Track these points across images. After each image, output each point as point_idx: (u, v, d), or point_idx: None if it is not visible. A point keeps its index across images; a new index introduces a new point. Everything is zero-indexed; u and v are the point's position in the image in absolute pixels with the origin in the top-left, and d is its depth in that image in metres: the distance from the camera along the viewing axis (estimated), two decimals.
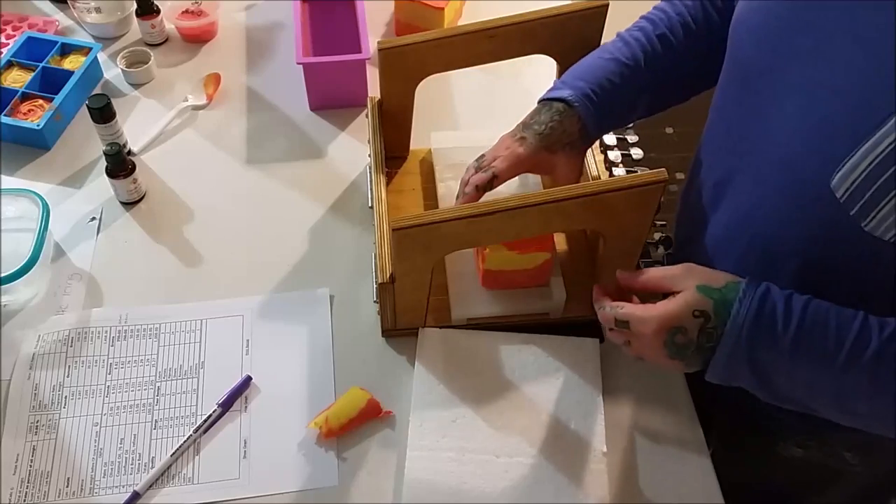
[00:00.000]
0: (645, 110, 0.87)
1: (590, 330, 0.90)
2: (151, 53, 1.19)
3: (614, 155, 0.96)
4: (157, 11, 1.20)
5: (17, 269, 0.90)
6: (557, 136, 0.82)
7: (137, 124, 1.12)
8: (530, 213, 0.76)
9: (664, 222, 0.91)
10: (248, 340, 0.91)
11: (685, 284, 0.69)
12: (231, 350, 0.90)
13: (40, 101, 1.10)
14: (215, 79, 1.17)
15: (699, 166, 0.83)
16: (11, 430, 0.84)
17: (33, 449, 0.83)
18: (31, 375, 0.88)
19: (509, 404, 0.84)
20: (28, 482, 0.81)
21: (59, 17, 1.27)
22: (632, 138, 0.97)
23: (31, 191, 0.98)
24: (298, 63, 1.09)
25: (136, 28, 1.24)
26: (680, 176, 0.87)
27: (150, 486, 0.80)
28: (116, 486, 0.81)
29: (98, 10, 1.21)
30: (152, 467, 0.82)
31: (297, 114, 1.15)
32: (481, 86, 1.19)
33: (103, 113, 1.01)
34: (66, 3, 1.25)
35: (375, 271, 0.85)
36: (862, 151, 0.59)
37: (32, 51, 1.16)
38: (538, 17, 0.90)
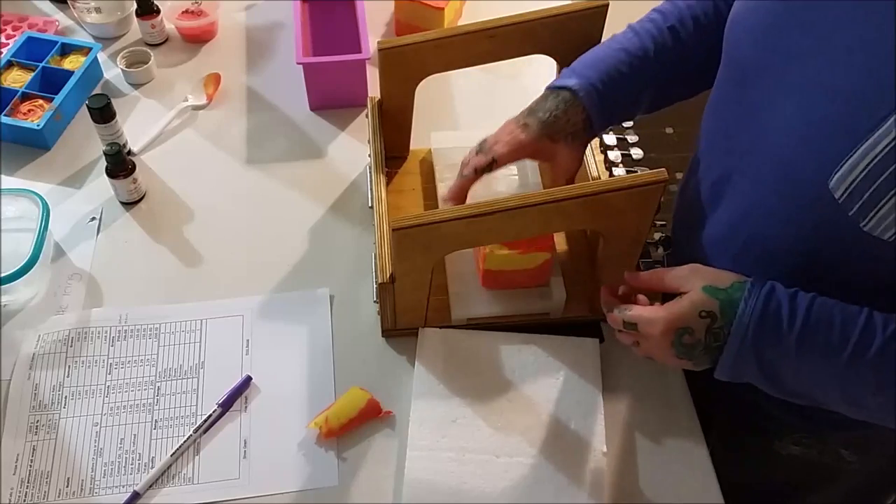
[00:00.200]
0: (650, 105, 0.87)
1: (590, 330, 0.90)
2: (151, 53, 1.19)
3: (614, 155, 0.96)
4: (157, 11, 1.20)
5: (17, 269, 0.90)
6: (561, 124, 0.82)
7: (137, 124, 1.12)
8: (530, 213, 0.76)
9: (664, 222, 0.91)
10: (248, 340, 0.91)
11: (691, 285, 0.70)
12: (231, 350, 0.90)
13: (40, 101, 1.10)
14: (215, 79, 1.17)
15: (696, 166, 0.83)
16: (11, 430, 0.84)
17: (33, 449, 0.83)
18: (31, 375, 0.88)
19: (509, 404, 0.84)
20: (28, 482, 0.81)
21: (59, 17, 1.27)
22: (632, 138, 0.97)
23: (31, 191, 0.98)
24: (298, 63, 1.09)
25: (136, 28, 1.24)
26: (680, 176, 0.88)
27: (150, 486, 0.80)
28: (116, 486, 0.81)
29: (98, 10, 1.21)
30: (152, 467, 0.82)
31: (297, 114, 1.15)
32: (481, 86, 1.19)
33: (103, 113, 1.01)
34: (66, 3, 1.25)
35: (375, 271, 0.85)
36: (860, 152, 0.59)
37: (32, 51, 1.16)
38: (538, 17, 0.90)
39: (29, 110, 1.09)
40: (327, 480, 0.81)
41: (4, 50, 1.17)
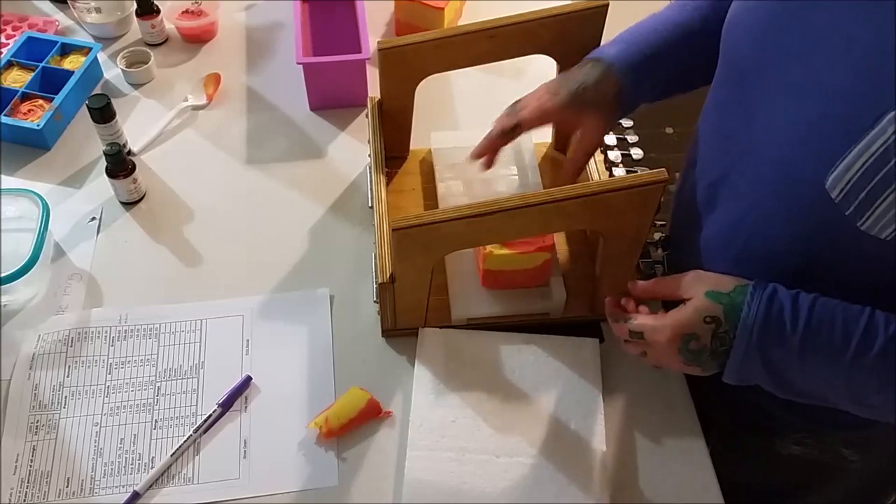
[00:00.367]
0: (685, 83, 0.86)
1: (590, 330, 0.90)
2: (151, 53, 1.19)
3: (614, 155, 0.96)
4: (157, 11, 1.20)
5: (17, 269, 0.90)
6: (590, 95, 0.81)
7: (137, 124, 1.12)
8: (530, 213, 0.76)
9: (664, 222, 0.91)
10: (248, 340, 0.91)
11: (694, 291, 0.70)
12: (231, 350, 0.90)
13: (40, 101, 1.10)
14: (215, 79, 1.17)
15: (693, 166, 0.83)
16: (11, 430, 0.84)
17: (33, 449, 0.83)
18: (31, 375, 0.88)
19: (509, 404, 0.84)
20: (28, 482, 0.81)
21: (59, 17, 1.27)
22: (632, 138, 0.97)
23: (31, 191, 0.98)
24: (298, 63, 1.09)
25: (136, 28, 1.24)
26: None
27: (150, 486, 0.80)
28: (116, 486, 0.81)
29: (98, 10, 1.21)
30: (152, 467, 0.82)
31: (297, 114, 1.15)
32: (481, 86, 1.19)
33: (103, 113, 1.01)
34: (66, 3, 1.25)
35: (375, 271, 0.85)
36: (856, 151, 0.59)
37: (32, 51, 1.16)
38: (538, 17, 0.90)
39: (29, 110, 1.09)
40: (327, 480, 0.81)
41: (4, 50, 1.17)
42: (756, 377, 0.69)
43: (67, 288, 0.96)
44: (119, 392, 0.87)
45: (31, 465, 0.82)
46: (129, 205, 1.04)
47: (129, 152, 1.07)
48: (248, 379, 0.87)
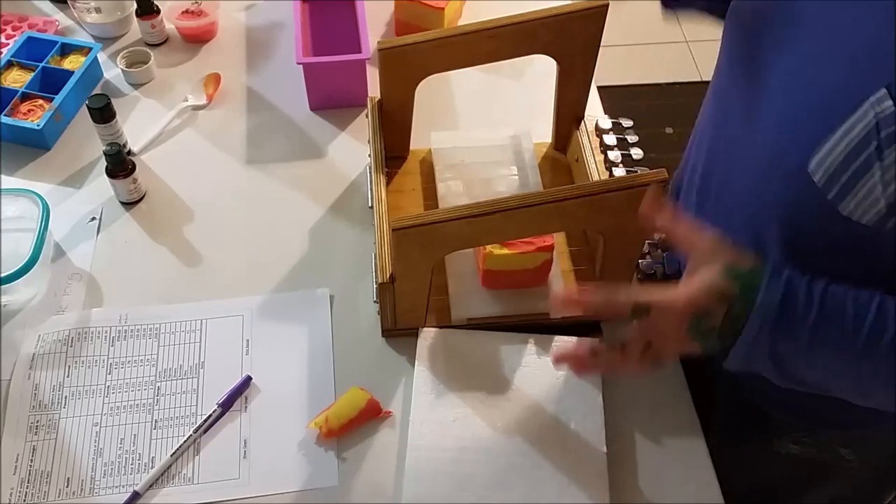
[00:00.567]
0: None
1: (590, 330, 0.90)
2: (151, 53, 1.19)
3: (614, 155, 0.96)
4: (157, 11, 1.20)
5: (17, 269, 0.90)
6: None
7: (137, 124, 1.12)
8: (530, 213, 0.76)
9: None
10: (248, 340, 0.91)
11: (710, 262, 0.64)
12: (231, 350, 0.90)
13: (40, 101, 1.10)
14: (215, 79, 1.17)
15: (688, 161, 0.83)
16: (11, 430, 0.84)
17: (33, 449, 0.83)
18: (31, 375, 0.88)
19: (509, 404, 0.84)
20: (28, 482, 0.81)
21: (59, 17, 1.27)
22: (632, 138, 0.97)
23: (31, 191, 0.98)
24: (298, 63, 1.09)
25: (136, 28, 1.24)
26: None
27: (150, 486, 0.80)
28: (116, 486, 0.81)
29: (98, 10, 1.21)
30: (152, 467, 0.82)
31: (297, 114, 1.15)
32: (481, 86, 1.19)
33: (103, 113, 1.01)
34: (66, 3, 1.25)
35: (375, 271, 0.85)
36: (838, 135, 0.59)
37: (32, 51, 1.16)
38: (538, 17, 0.90)
39: (29, 110, 1.09)
40: (327, 480, 0.81)
41: (4, 50, 1.17)
42: (759, 364, 0.66)
43: (67, 288, 0.96)
44: (119, 392, 0.87)
45: (31, 465, 0.82)
46: (129, 205, 1.04)
47: (129, 152, 1.07)
48: (248, 379, 0.88)
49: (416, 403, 0.84)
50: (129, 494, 0.79)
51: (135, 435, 0.84)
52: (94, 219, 1.02)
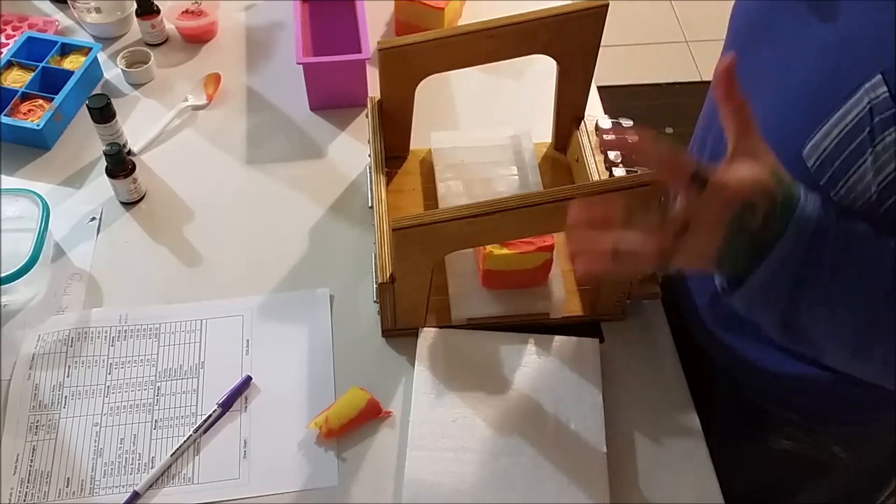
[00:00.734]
0: None
1: (590, 330, 0.90)
2: (151, 53, 1.19)
3: (614, 155, 0.96)
4: (157, 11, 1.20)
5: (17, 269, 0.90)
6: None
7: (137, 124, 1.12)
8: (530, 213, 0.76)
9: None
10: (248, 340, 0.91)
11: (756, 158, 0.58)
12: (231, 350, 0.90)
13: (40, 101, 1.10)
14: (215, 79, 1.17)
15: (692, 149, 0.83)
16: (11, 430, 0.84)
17: (33, 449, 0.83)
18: (31, 375, 0.88)
19: (509, 404, 0.84)
20: (28, 482, 0.81)
21: (59, 17, 1.27)
22: (632, 138, 0.97)
23: (31, 191, 0.98)
24: (298, 63, 1.09)
25: (136, 28, 1.24)
26: None
27: (150, 486, 0.80)
28: (116, 486, 0.81)
29: (98, 10, 1.21)
30: (152, 467, 0.82)
31: (297, 114, 1.15)
32: (481, 86, 1.19)
33: (103, 113, 1.01)
34: (66, 3, 1.25)
35: (375, 271, 0.85)
36: (832, 121, 0.59)
37: (32, 51, 1.16)
38: (538, 17, 0.90)
39: (29, 110, 1.09)
40: (327, 480, 0.81)
41: (4, 50, 1.17)
42: (775, 293, 0.60)
43: (67, 288, 0.96)
44: (119, 392, 0.87)
45: (31, 465, 0.82)
46: (129, 205, 1.04)
47: (129, 152, 1.07)
48: (248, 379, 0.88)
49: (416, 403, 0.84)
50: (129, 494, 0.79)
51: (135, 435, 0.84)
52: (94, 219, 1.02)
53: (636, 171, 0.93)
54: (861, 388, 0.78)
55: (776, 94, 0.66)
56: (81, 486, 0.81)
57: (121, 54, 1.18)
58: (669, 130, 2.29)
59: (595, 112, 1.13)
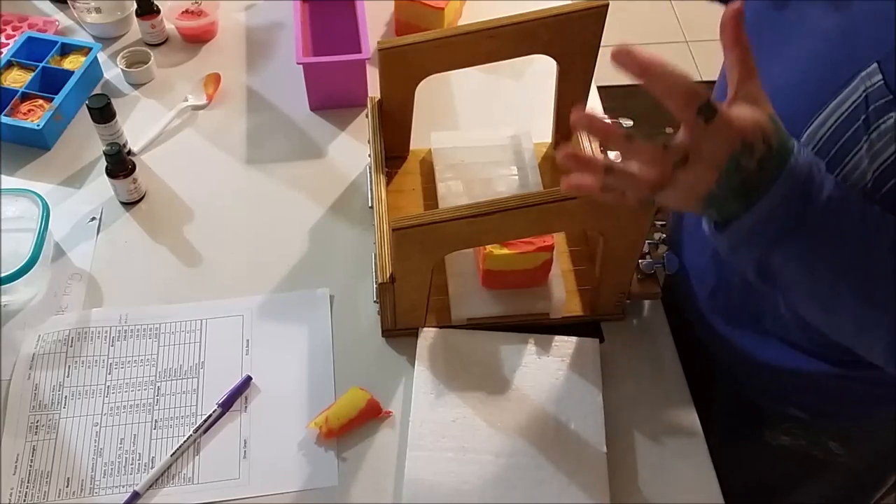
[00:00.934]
0: None
1: (590, 330, 0.90)
2: (151, 53, 1.19)
3: (614, 155, 0.96)
4: (157, 11, 1.20)
5: (17, 269, 0.90)
6: None
7: (137, 124, 1.12)
8: (530, 213, 0.76)
9: (664, 222, 0.91)
10: (248, 340, 0.91)
11: (756, 104, 0.57)
12: (231, 350, 0.90)
13: (40, 101, 1.10)
14: (215, 79, 1.17)
15: None
16: (11, 430, 0.84)
17: (33, 449, 0.83)
18: (31, 375, 0.88)
19: (509, 404, 0.84)
20: (28, 482, 0.81)
21: (59, 17, 1.27)
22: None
23: (31, 191, 0.98)
24: (298, 63, 1.09)
25: (136, 28, 1.23)
26: None
27: (150, 486, 0.80)
28: (116, 486, 0.81)
29: (98, 10, 1.21)
30: (152, 467, 0.82)
31: (297, 114, 1.15)
32: (481, 86, 1.19)
33: (103, 113, 1.01)
34: (66, 3, 1.25)
35: (375, 271, 0.85)
36: (830, 108, 0.60)
37: (32, 51, 1.15)
38: (538, 17, 0.90)
39: (29, 110, 1.09)
40: (327, 480, 0.81)
41: (4, 50, 1.17)
42: (765, 237, 0.59)
43: (67, 288, 0.96)
44: (119, 392, 0.87)
45: (31, 465, 0.82)
46: (129, 205, 1.04)
47: (129, 152, 1.07)
48: (248, 379, 0.88)
49: (416, 403, 0.84)
50: (129, 494, 0.79)
51: (135, 435, 0.84)
52: (94, 219, 1.02)
53: None
54: (860, 383, 0.78)
55: (776, 83, 0.66)
56: (81, 486, 0.81)
57: (121, 54, 1.18)
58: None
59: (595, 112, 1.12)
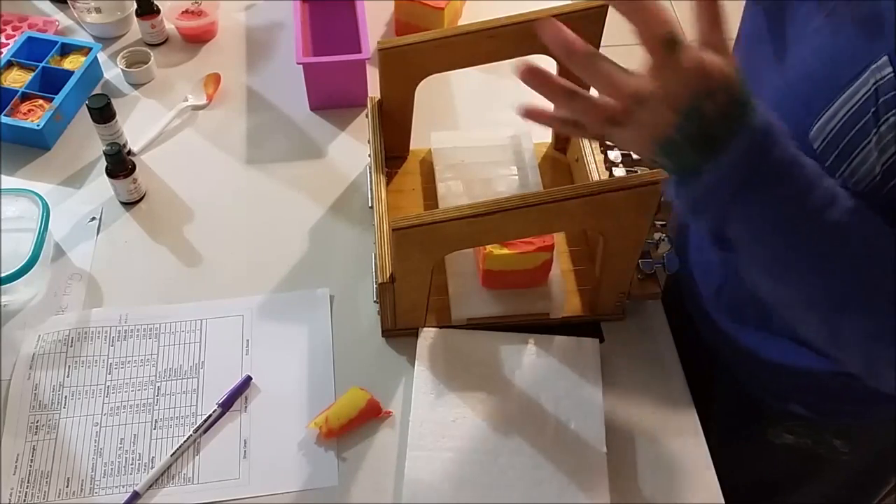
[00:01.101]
0: None
1: (590, 330, 0.90)
2: (151, 53, 1.19)
3: (614, 155, 0.96)
4: (157, 11, 1.20)
5: (17, 269, 0.90)
6: None
7: (137, 124, 1.12)
8: (530, 213, 0.76)
9: (664, 222, 0.91)
10: (248, 340, 0.91)
11: (726, 56, 0.55)
12: (231, 350, 0.90)
13: (40, 101, 1.10)
14: (215, 79, 1.17)
15: None
16: (11, 430, 0.84)
17: (33, 449, 0.83)
18: (31, 375, 0.88)
19: (509, 404, 0.84)
20: (28, 482, 0.81)
21: (59, 17, 1.27)
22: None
23: (31, 191, 0.98)
24: (298, 63, 1.09)
25: (136, 28, 1.24)
26: None
27: (150, 486, 0.80)
28: (116, 486, 0.81)
29: (98, 10, 1.21)
30: (152, 467, 0.82)
31: (297, 114, 1.15)
32: (481, 86, 1.19)
33: (103, 113, 1.01)
34: (66, 3, 1.25)
35: (375, 271, 0.85)
36: (839, 102, 0.60)
37: (32, 51, 1.16)
38: (538, 17, 0.89)
39: (29, 110, 1.09)
40: (327, 480, 0.81)
41: (4, 50, 1.17)
42: (717, 199, 0.58)
43: (67, 288, 0.96)
44: (119, 392, 0.87)
45: (31, 465, 0.82)
46: (129, 205, 1.04)
47: (129, 152, 1.07)
48: (248, 379, 0.88)
49: (416, 403, 0.84)
50: (129, 494, 0.79)
51: (135, 435, 0.84)
52: (94, 219, 1.02)
53: (636, 172, 0.93)
54: (862, 381, 0.78)
55: (785, 76, 0.67)
56: (81, 486, 0.81)
57: (121, 54, 1.18)
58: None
59: None
